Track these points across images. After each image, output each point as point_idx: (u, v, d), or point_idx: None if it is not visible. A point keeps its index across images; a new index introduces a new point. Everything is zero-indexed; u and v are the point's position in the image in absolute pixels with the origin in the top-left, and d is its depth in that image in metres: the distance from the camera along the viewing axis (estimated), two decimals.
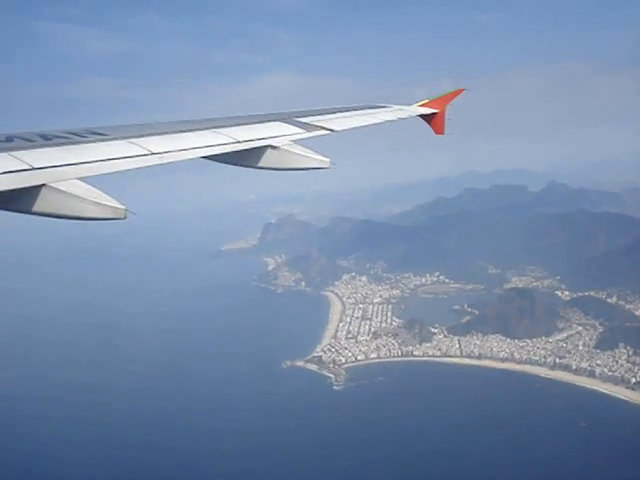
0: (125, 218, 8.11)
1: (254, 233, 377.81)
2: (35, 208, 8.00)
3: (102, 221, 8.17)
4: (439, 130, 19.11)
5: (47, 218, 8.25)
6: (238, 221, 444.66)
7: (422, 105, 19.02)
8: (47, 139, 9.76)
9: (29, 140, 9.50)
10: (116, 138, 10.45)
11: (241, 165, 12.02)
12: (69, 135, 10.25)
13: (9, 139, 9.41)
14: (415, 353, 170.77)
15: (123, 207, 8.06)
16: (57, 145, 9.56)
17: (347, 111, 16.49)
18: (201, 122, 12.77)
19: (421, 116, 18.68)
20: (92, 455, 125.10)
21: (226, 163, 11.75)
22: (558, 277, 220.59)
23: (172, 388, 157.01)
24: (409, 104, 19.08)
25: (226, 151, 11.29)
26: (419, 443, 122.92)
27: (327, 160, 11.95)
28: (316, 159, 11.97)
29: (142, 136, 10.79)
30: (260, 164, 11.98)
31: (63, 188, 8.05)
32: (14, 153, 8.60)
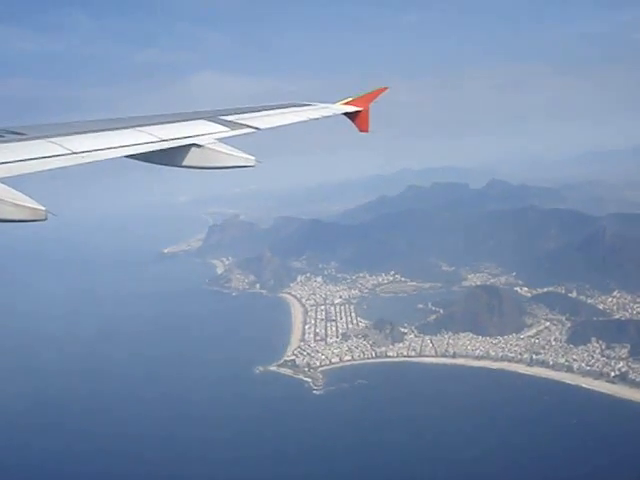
0: (45, 219, 7.80)
1: (195, 235, 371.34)
2: None
3: (22, 223, 7.86)
4: (363, 128, 19.14)
5: None
6: (174, 223, 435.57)
7: (346, 103, 19.13)
8: None
9: None
10: (35, 138, 10.17)
11: (165, 164, 11.88)
12: None
13: None
14: (389, 354, 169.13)
15: (43, 208, 7.78)
16: None
17: (272, 109, 16.55)
18: (124, 121, 12.58)
19: (346, 114, 18.74)
20: None
21: (150, 162, 11.63)
22: (514, 274, 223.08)
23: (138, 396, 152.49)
24: (334, 102, 19.23)
25: (150, 150, 11.10)
26: (414, 448, 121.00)
27: (252, 158, 11.88)
28: (241, 157, 11.85)
29: (63, 135, 10.50)
30: (185, 163, 11.82)
31: None
32: None
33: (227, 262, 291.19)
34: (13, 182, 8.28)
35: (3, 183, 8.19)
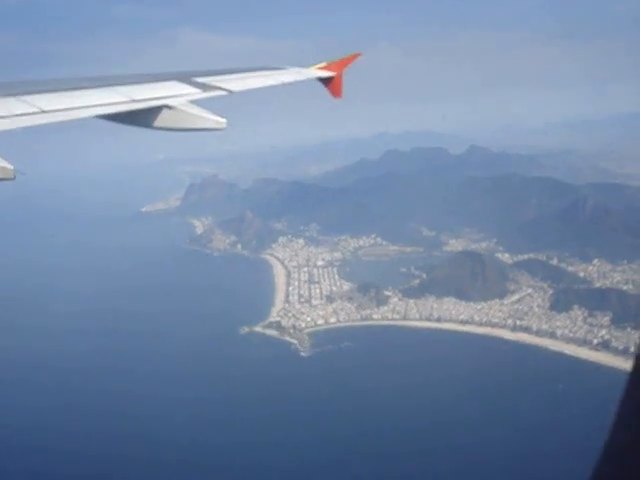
0: (14, 179, 7.64)
1: (172, 194, 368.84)
2: None
3: None
4: (336, 93, 19.30)
5: None
6: (151, 181, 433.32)
7: (320, 68, 19.16)
8: None
9: None
10: (4, 95, 9.91)
11: (136, 125, 11.80)
12: None
13: None
14: (374, 317, 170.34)
15: (11, 167, 7.62)
16: None
17: (245, 72, 16.48)
18: (95, 80, 12.46)
19: (319, 79, 18.93)
20: None
21: (121, 123, 11.55)
22: (495, 240, 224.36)
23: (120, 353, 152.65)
24: (307, 67, 19.32)
25: (121, 110, 10.96)
26: (401, 413, 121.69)
27: (223, 121, 11.97)
28: (212, 119, 11.93)
29: (33, 93, 10.24)
30: (156, 124, 11.79)
31: None
32: None
33: (207, 222, 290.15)
34: None
35: None
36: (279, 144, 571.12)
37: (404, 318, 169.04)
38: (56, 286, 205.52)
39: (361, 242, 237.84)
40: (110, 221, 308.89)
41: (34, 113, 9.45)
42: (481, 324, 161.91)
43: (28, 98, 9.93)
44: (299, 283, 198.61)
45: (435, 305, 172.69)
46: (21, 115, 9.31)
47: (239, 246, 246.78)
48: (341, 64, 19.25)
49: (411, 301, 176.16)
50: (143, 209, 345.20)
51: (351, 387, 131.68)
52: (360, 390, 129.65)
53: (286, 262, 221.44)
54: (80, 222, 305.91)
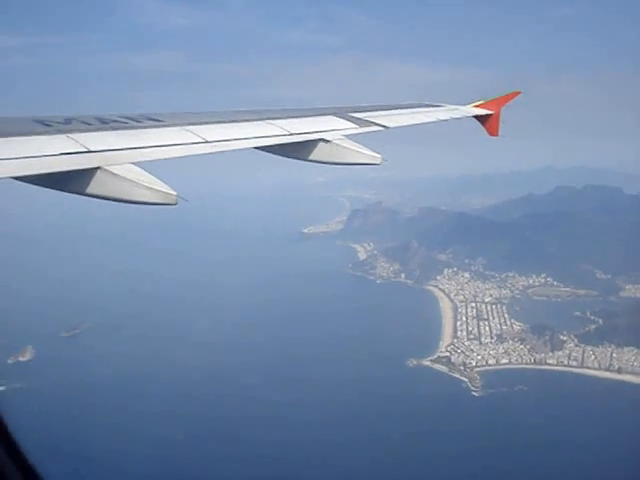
0: (176, 204, 8.17)
1: (333, 217, 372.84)
2: (89, 190, 8.15)
3: (156, 206, 8.16)
4: (493, 131, 19.17)
5: (101, 201, 8.29)
6: (312, 203, 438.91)
7: (477, 106, 19.08)
8: (104, 122, 9.94)
9: (87, 123, 9.68)
10: (171, 125, 10.62)
11: (293, 157, 12.03)
12: (125, 120, 10.40)
13: (67, 121, 9.58)
14: (549, 361, 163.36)
15: (175, 193, 8.11)
16: (113, 129, 9.72)
17: (402, 108, 16.61)
18: (255, 113, 12.89)
19: (476, 117, 18.74)
20: None
21: (278, 155, 11.86)
22: None
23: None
24: (464, 104, 19.18)
25: (279, 142, 11.40)
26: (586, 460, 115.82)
27: (379, 156, 12.00)
28: (368, 155, 12.03)
29: (197, 124, 10.90)
30: (311, 157, 12.04)
31: (117, 172, 8.19)
32: (72, 135, 8.82)
33: (369, 248, 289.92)
34: (148, 166, 8.60)
35: (139, 167, 8.51)
36: (439, 173, 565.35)
37: (581, 365, 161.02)
38: (221, 304, 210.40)
39: (530, 280, 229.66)
40: (273, 240, 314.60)
41: (198, 143, 10.14)
42: None
43: (193, 128, 10.64)
44: (467, 318, 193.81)
45: (615, 354, 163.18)
46: (187, 144, 9.98)
47: (403, 275, 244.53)
48: (499, 102, 19.24)
49: (588, 348, 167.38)
50: (305, 230, 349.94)
51: (525, 431, 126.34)
52: (538, 439, 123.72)
53: (452, 295, 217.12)
54: (243, 240, 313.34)
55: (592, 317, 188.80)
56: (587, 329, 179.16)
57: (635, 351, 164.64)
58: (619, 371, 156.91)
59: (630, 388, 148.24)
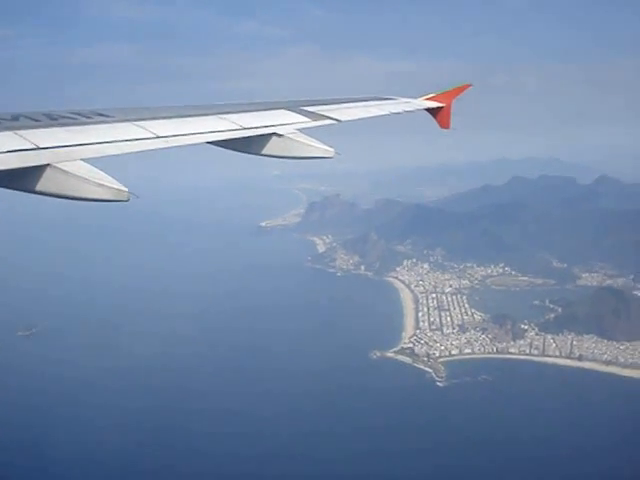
0: (128, 200, 8.09)
1: (290, 210, 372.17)
2: (39, 187, 8.05)
3: (107, 202, 8.07)
4: (445, 124, 19.34)
5: (51, 198, 8.18)
6: (267, 196, 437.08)
7: (428, 99, 19.22)
8: (52, 119, 9.80)
9: (35, 119, 9.55)
10: (121, 120, 10.48)
11: (245, 152, 12.06)
12: (74, 116, 10.28)
13: (15, 118, 9.48)
14: (511, 350, 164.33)
15: (126, 189, 8.03)
16: (62, 125, 9.57)
17: (354, 102, 16.66)
18: (207, 107, 12.84)
19: (427, 110, 18.93)
20: None
21: (231, 149, 11.80)
22: (632, 276, 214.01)
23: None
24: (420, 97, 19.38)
25: (231, 137, 11.37)
26: (551, 448, 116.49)
27: (331, 150, 12.07)
28: (320, 148, 12.05)
29: (148, 119, 10.80)
30: (264, 152, 12.04)
31: (67, 169, 8.08)
32: (20, 132, 8.70)
33: (328, 240, 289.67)
34: (99, 163, 8.49)
35: (89, 164, 8.38)
36: (394, 165, 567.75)
37: (543, 354, 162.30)
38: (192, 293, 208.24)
39: (489, 270, 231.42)
40: (230, 233, 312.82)
41: (149, 138, 9.96)
42: (626, 366, 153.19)
43: (143, 123, 10.48)
44: (428, 309, 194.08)
45: (575, 342, 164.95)
46: (138, 140, 9.77)
47: (363, 267, 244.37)
48: (450, 95, 19.30)
49: (549, 336, 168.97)
50: (263, 224, 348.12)
51: (490, 420, 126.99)
52: (498, 423, 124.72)
53: (412, 286, 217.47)
54: (199, 233, 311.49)
55: (551, 306, 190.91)
56: (547, 318, 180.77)
57: (595, 339, 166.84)
58: (580, 359, 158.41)
59: (592, 375, 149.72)
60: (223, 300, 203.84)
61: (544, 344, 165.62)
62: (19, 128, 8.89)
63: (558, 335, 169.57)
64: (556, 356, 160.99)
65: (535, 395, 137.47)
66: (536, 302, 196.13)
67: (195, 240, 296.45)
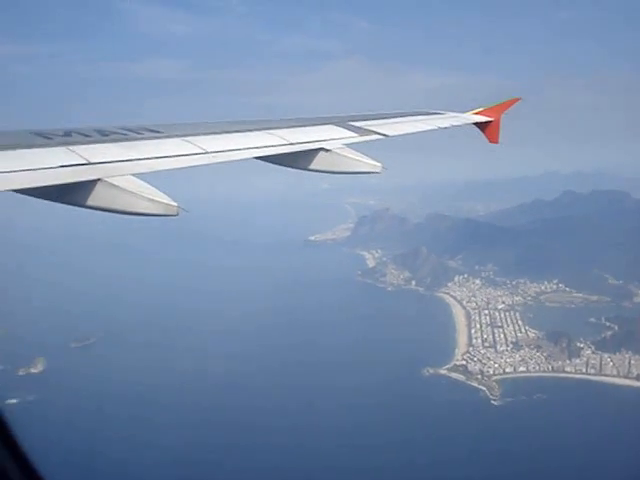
0: (177, 215, 8.23)
1: (339, 224, 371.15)
2: (89, 202, 8.16)
3: (155, 217, 8.21)
4: (493, 139, 19.17)
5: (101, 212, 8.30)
6: (316, 210, 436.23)
7: (477, 113, 19.12)
8: (104, 135, 10.03)
9: (86, 135, 9.76)
10: (171, 136, 10.67)
11: (293, 167, 12.05)
12: (125, 132, 10.47)
13: (67, 134, 9.66)
14: (567, 369, 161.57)
15: (175, 204, 8.17)
16: (113, 141, 9.78)
17: (402, 117, 16.69)
18: (255, 123, 12.90)
19: (476, 124, 18.76)
20: None
21: (278, 164, 11.85)
22: None
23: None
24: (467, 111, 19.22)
25: (279, 152, 11.46)
26: (609, 476, 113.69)
27: (379, 165, 12.09)
28: (368, 163, 12.11)
29: (197, 135, 10.99)
30: (311, 167, 12.06)
31: (118, 183, 8.21)
32: (72, 147, 8.90)
33: (377, 255, 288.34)
34: (149, 178, 8.61)
35: (140, 179, 8.52)
36: (442, 179, 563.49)
37: (599, 373, 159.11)
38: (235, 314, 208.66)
39: (542, 287, 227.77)
40: (278, 248, 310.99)
41: (199, 153, 10.15)
42: None
43: (192, 139, 10.68)
44: (481, 326, 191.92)
45: (633, 361, 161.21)
46: (187, 155, 9.98)
47: (413, 282, 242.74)
48: (499, 109, 19.26)
49: (606, 355, 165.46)
50: (311, 237, 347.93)
51: (546, 440, 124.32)
52: (561, 448, 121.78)
53: (464, 302, 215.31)
54: (248, 248, 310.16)
55: (607, 323, 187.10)
56: (603, 336, 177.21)
57: None
58: (638, 378, 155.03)
59: None
60: (274, 316, 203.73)
61: (601, 363, 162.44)
62: (71, 144, 9.11)
63: (615, 354, 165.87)
64: (614, 375, 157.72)
65: (593, 416, 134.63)
66: (592, 319, 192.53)
67: (244, 256, 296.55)
